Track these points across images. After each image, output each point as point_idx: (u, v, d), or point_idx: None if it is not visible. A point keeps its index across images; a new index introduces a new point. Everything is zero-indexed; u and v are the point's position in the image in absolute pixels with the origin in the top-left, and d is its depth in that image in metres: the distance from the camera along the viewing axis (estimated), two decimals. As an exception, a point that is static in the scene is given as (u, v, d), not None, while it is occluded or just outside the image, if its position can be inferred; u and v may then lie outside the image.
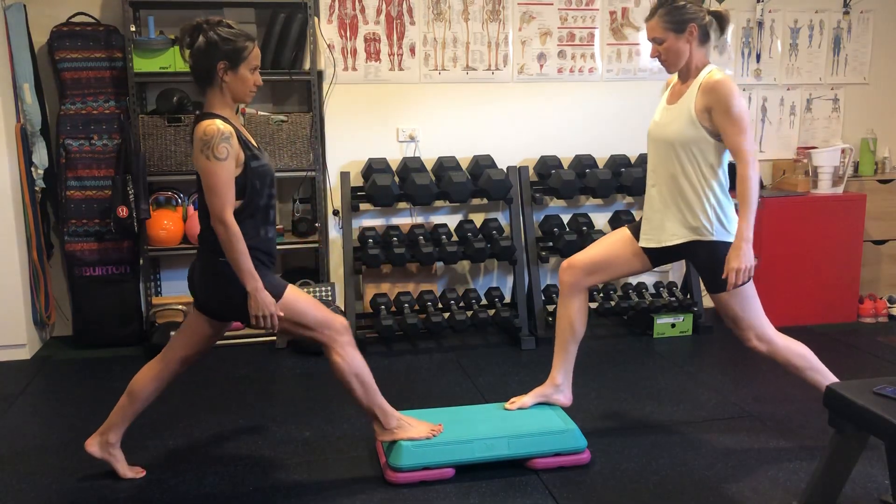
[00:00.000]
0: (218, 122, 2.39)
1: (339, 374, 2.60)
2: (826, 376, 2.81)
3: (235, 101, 2.51)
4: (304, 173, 4.26)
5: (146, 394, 2.70)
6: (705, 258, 2.75)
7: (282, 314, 2.49)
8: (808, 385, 2.84)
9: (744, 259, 2.61)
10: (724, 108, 2.61)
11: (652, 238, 2.84)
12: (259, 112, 4.14)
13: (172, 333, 2.76)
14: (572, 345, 2.97)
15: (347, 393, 2.65)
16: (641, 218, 2.91)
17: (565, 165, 4.56)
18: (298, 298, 2.56)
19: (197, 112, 2.49)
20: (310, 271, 4.53)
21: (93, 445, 2.73)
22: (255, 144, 2.55)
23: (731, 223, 2.74)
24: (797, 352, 2.81)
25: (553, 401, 2.99)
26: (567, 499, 2.59)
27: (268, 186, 2.53)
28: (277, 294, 2.50)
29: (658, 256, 2.87)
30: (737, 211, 2.68)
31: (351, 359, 2.59)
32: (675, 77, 2.85)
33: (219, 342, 4.16)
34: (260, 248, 2.52)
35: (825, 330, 4.47)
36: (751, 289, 2.75)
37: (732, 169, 2.66)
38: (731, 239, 2.71)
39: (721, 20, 2.74)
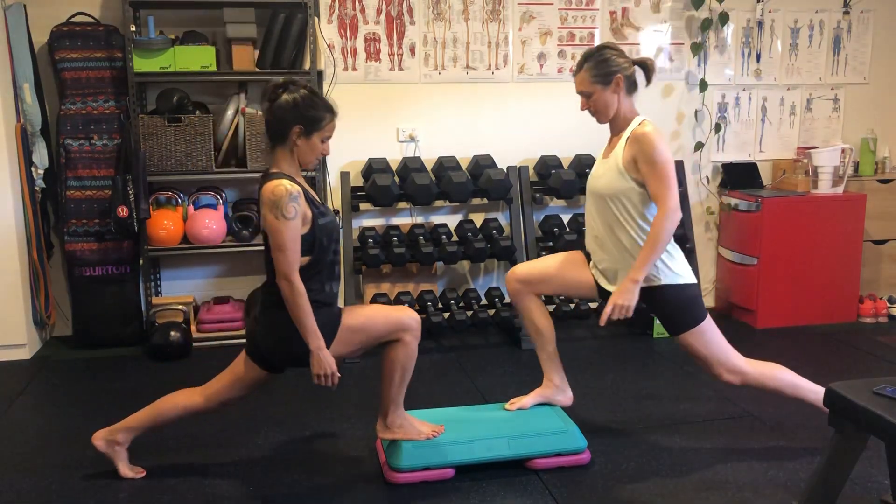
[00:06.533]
0: (286, 182, 2.41)
1: (390, 361, 2.60)
2: (807, 388, 2.83)
3: (301, 166, 2.54)
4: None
5: (171, 417, 2.71)
6: (658, 303, 2.74)
7: (339, 377, 2.49)
8: (798, 401, 2.85)
9: (626, 297, 2.61)
10: (648, 158, 2.60)
11: (606, 281, 2.83)
12: (259, 112, 4.14)
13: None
14: (549, 345, 2.97)
15: (383, 378, 2.65)
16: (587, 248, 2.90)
17: (565, 165, 4.56)
18: (360, 316, 2.57)
19: (264, 170, 2.55)
20: (310, 271, 4.53)
21: (99, 439, 2.74)
22: (320, 201, 2.58)
23: (677, 264, 2.73)
24: (770, 375, 2.81)
25: (554, 401, 3.00)
26: (567, 499, 2.59)
27: (334, 242, 2.56)
28: (336, 324, 2.52)
29: (608, 295, 2.84)
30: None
31: (410, 352, 2.60)
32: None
33: (219, 342, 4.20)
34: (324, 303, 2.53)
35: (825, 330, 4.47)
36: (709, 325, 2.74)
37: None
38: (681, 280, 2.71)
39: (646, 69, 2.75)
